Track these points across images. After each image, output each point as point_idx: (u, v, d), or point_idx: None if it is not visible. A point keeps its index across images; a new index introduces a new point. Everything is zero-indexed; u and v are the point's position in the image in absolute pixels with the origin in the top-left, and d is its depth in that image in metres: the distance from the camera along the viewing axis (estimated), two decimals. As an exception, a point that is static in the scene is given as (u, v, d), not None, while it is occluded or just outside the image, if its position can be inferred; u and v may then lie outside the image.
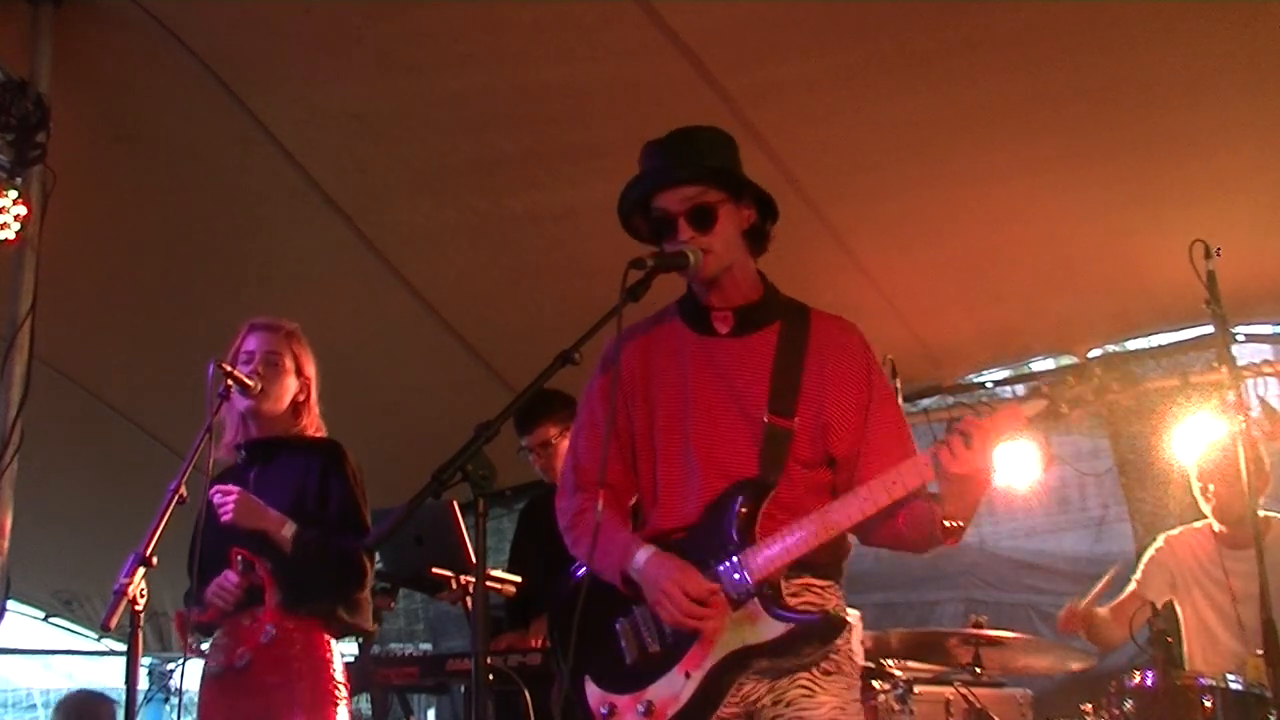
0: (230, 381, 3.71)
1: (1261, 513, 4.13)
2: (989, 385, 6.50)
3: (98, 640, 8.99)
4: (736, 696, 2.70)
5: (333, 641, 3.80)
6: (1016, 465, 6.22)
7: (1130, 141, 4.84)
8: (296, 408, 3.96)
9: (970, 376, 6.52)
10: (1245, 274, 4.68)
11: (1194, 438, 5.23)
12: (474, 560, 2.96)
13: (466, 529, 4.54)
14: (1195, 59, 4.42)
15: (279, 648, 3.69)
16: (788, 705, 2.67)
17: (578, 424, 3.02)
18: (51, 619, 8.77)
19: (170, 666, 7.80)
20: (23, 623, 8.67)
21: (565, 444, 4.17)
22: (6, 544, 4.34)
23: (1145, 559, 4.87)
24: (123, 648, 5.32)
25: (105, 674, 9.92)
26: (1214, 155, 4.86)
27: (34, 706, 11.95)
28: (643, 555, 2.73)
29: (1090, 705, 4.42)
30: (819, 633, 2.67)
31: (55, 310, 4.62)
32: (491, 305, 6.16)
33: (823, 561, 2.74)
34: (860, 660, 4.39)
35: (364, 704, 5.25)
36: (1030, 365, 6.63)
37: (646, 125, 2.96)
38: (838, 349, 2.84)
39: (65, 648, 9.50)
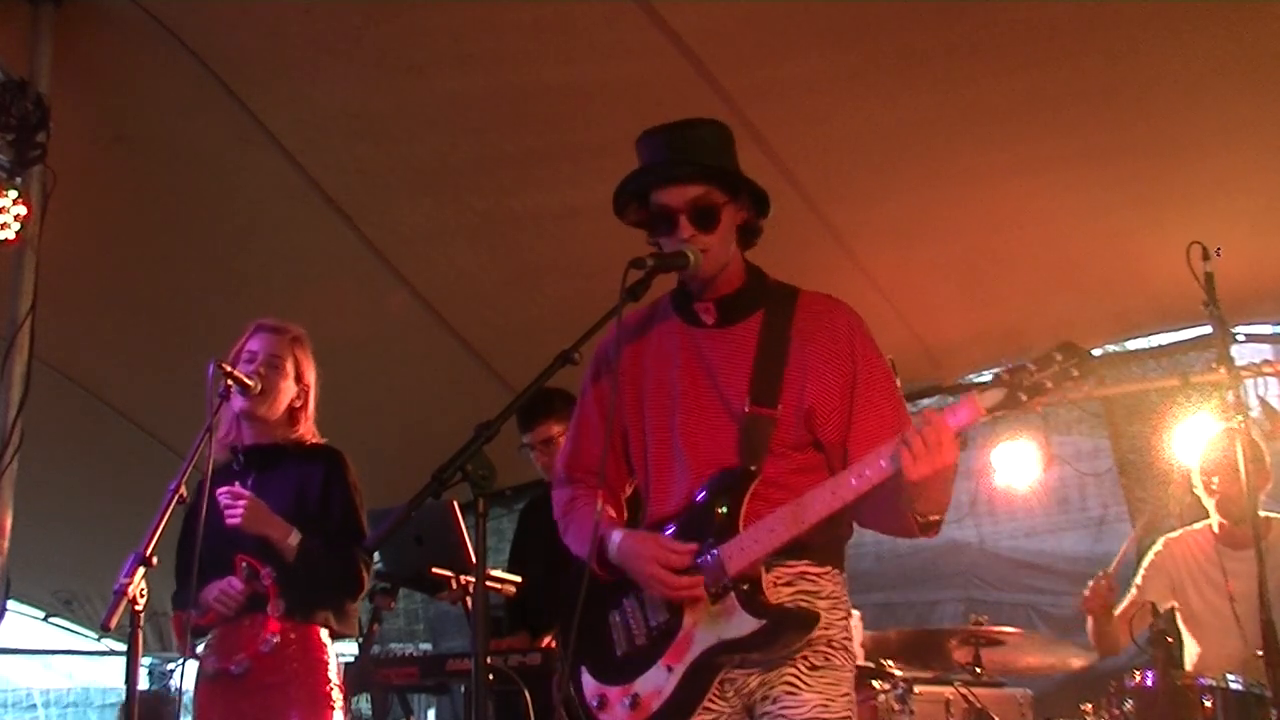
0: (230, 381, 3.70)
1: (1262, 513, 4.13)
2: (989, 385, 6.48)
3: (98, 640, 8.99)
4: (731, 691, 2.69)
5: (329, 643, 3.81)
6: (1017, 465, 6.22)
7: (1130, 142, 4.85)
8: (293, 413, 3.94)
9: (970, 376, 6.51)
10: (1245, 274, 4.69)
11: (1194, 437, 5.23)
12: (474, 560, 2.95)
13: (466, 529, 4.53)
14: (1195, 60, 4.42)
15: (276, 650, 3.70)
16: (774, 702, 2.66)
17: (572, 418, 3.04)
18: (51, 619, 8.77)
19: (170, 667, 7.80)
20: (23, 623, 8.67)
21: (566, 442, 4.17)
22: (6, 544, 4.35)
23: (1145, 563, 4.85)
24: (123, 648, 5.30)
25: (105, 674, 9.92)
26: (1213, 156, 4.86)
27: (34, 706, 11.92)
28: (616, 536, 2.76)
29: (1090, 705, 4.42)
30: (792, 626, 2.64)
31: (55, 310, 4.62)
32: (491, 305, 6.16)
33: (819, 544, 2.72)
34: (860, 659, 4.40)
35: (364, 704, 5.24)
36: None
37: (647, 125, 2.96)
38: (820, 330, 2.80)
39: (65, 648, 9.50)
